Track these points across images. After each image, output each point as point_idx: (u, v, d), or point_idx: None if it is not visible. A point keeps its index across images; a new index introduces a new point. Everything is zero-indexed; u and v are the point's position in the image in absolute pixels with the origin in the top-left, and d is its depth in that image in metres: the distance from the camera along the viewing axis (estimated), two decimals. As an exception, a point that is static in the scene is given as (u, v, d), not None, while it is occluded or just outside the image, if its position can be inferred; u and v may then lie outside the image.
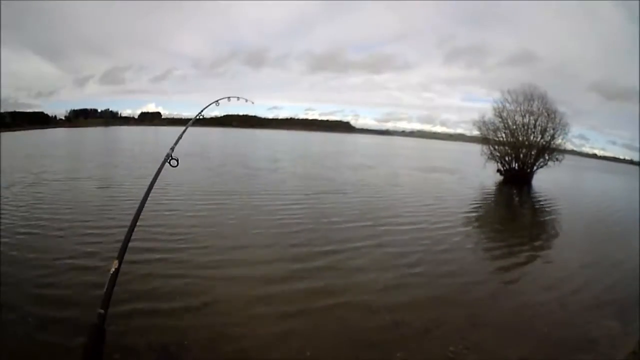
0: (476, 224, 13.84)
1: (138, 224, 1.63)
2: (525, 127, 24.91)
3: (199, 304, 6.10)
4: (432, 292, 7.46)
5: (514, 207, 18.68)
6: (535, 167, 24.99)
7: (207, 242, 8.89)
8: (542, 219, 16.00)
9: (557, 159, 24.86)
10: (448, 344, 5.73)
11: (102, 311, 1.27)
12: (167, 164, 2.03)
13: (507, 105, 25.66)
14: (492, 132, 25.81)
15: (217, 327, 5.47)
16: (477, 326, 6.42)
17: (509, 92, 25.63)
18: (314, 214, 12.35)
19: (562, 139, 24.84)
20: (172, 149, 2.14)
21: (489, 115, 26.22)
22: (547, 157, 24.80)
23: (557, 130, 24.68)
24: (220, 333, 5.35)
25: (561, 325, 6.60)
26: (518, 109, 25.32)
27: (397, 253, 9.29)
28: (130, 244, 1.54)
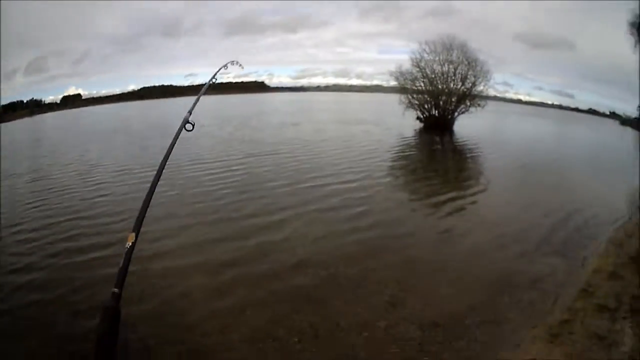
0: (403, 172, 14.01)
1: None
2: (445, 76, 25.24)
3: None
4: (366, 243, 7.34)
5: (438, 153, 18.99)
6: (456, 114, 25.57)
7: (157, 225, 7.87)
8: (468, 164, 16.52)
9: (479, 105, 25.34)
10: (385, 290, 5.67)
11: (116, 290, 1.19)
12: (183, 129, 2.02)
13: (425, 55, 25.78)
14: (410, 82, 25.89)
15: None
16: (414, 271, 6.35)
17: (427, 42, 25.76)
18: (250, 179, 11.78)
19: (484, 86, 25.40)
20: (190, 112, 2.13)
21: (407, 66, 26.22)
22: (468, 104, 25.31)
23: (478, 78, 25.12)
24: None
25: (501, 265, 6.65)
26: (437, 58, 25.51)
27: (331, 209, 9.13)
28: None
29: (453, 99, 25.21)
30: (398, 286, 5.75)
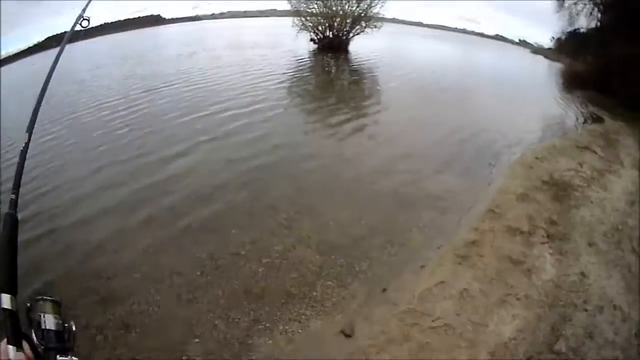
0: (300, 94, 13.97)
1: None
2: (339, -3, 24.69)
3: None
4: (265, 168, 7.33)
5: (333, 75, 19.05)
6: (351, 35, 25.41)
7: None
8: (364, 85, 16.65)
9: (375, 27, 25.29)
10: (280, 213, 5.70)
11: (13, 196, 1.13)
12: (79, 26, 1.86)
13: None
14: (303, 4, 24.97)
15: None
16: (307, 192, 6.39)
17: None
18: (150, 114, 11.19)
19: (381, 7, 24.96)
20: (85, 9, 1.92)
21: None
22: (364, 25, 25.11)
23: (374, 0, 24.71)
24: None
25: (399, 185, 6.73)
26: None
27: (230, 135, 9.10)
28: None
29: (348, 20, 24.90)
30: (293, 209, 5.77)
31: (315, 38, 25.32)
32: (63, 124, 10.71)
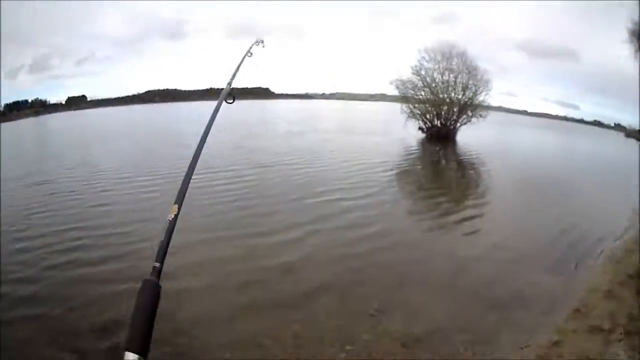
0: (412, 188, 14.04)
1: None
2: (446, 85, 25.30)
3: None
4: (361, 255, 7.38)
5: (438, 164, 19.09)
6: (458, 124, 25.62)
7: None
8: (465, 175, 16.60)
9: (481, 116, 25.42)
10: (372, 302, 5.73)
11: (157, 264, 1.20)
12: (224, 102, 1.99)
13: (425, 63, 25.83)
14: (410, 91, 25.92)
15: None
16: (404, 284, 6.42)
17: (426, 50, 25.78)
18: (261, 191, 11.68)
19: (486, 96, 25.44)
20: (230, 83, 2.16)
21: (408, 74, 26.18)
22: (470, 114, 25.37)
23: (480, 87, 25.20)
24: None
25: (495, 281, 6.66)
26: (437, 66, 25.57)
27: (345, 228, 8.93)
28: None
29: (455, 109, 25.29)
30: (386, 298, 5.85)
31: (424, 127, 25.72)
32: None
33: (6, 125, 32.44)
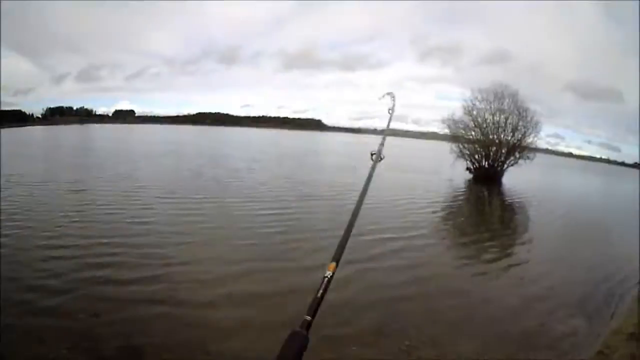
0: (449, 223, 14.50)
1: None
2: (496, 125, 25.49)
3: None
4: (401, 295, 7.45)
5: (484, 206, 19.16)
6: (505, 166, 25.57)
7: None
8: (511, 218, 16.65)
9: (528, 158, 25.38)
10: (404, 339, 5.89)
11: (308, 317, 1.23)
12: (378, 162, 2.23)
13: (477, 103, 26.15)
14: (461, 130, 26.19)
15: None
16: (436, 321, 6.59)
17: (479, 90, 26.15)
18: (307, 224, 11.65)
19: (534, 137, 25.46)
20: (382, 144, 2.45)
21: (459, 113, 26.55)
22: (517, 156, 25.34)
23: (529, 129, 25.25)
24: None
25: (523, 322, 6.78)
26: (488, 107, 25.83)
27: (393, 269, 8.80)
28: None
29: (503, 150, 25.32)
30: (418, 337, 5.99)
31: (472, 167, 25.84)
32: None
33: (50, 128, 34.10)
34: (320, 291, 1.30)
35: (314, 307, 1.26)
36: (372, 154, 2.27)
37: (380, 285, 7.76)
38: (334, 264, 1.40)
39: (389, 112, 2.95)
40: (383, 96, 3.11)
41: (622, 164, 52.54)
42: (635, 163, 50.14)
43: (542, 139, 26.12)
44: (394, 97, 3.04)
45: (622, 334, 6.41)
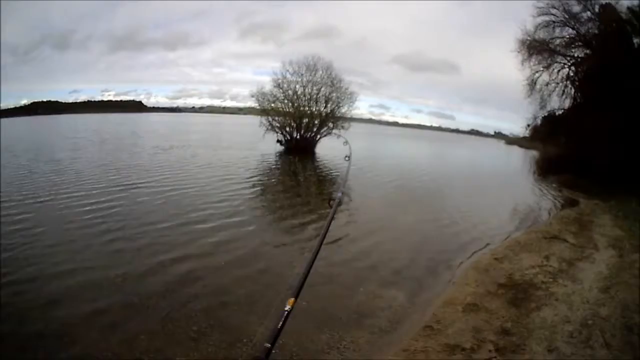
0: (264, 197, 13.44)
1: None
2: (307, 97, 25.21)
3: None
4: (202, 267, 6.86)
5: (298, 176, 18.42)
6: (318, 136, 25.37)
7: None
8: (324, 187, 16.08)
9: (342, 127, 25.37)
10: (192, 325, 4.97)
11: (268, 345, 1.41)
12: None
13: (289, 76, 25.55)
14: (271, 104, 25.38)
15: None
16: (226, 304, 5.61)
17: (290, 63, 25.63)
18: (131, 216, 9.78)
19: (349, 108, 25.56)
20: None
21: (269, 87, 25.81)
22: (331, 126, 25.29)
23: (343, 99, 25.34)
24: None
25: (337, 297, 5.96)
26: (300, 79, 25.44)
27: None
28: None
29: (316, 121, 25.07)
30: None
31: (283, 139, 25.35)
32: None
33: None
34: (280, 323, 1.51)
35: (274, 337, 1.47)
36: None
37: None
38: (292, 299, 1.59)
39: None
40: None
41: (457, 130, 59.95)
42: (472, 130, 58.62)
43: (363, 109, 24.12)
44: None
45: (457, 304, 5.71)
